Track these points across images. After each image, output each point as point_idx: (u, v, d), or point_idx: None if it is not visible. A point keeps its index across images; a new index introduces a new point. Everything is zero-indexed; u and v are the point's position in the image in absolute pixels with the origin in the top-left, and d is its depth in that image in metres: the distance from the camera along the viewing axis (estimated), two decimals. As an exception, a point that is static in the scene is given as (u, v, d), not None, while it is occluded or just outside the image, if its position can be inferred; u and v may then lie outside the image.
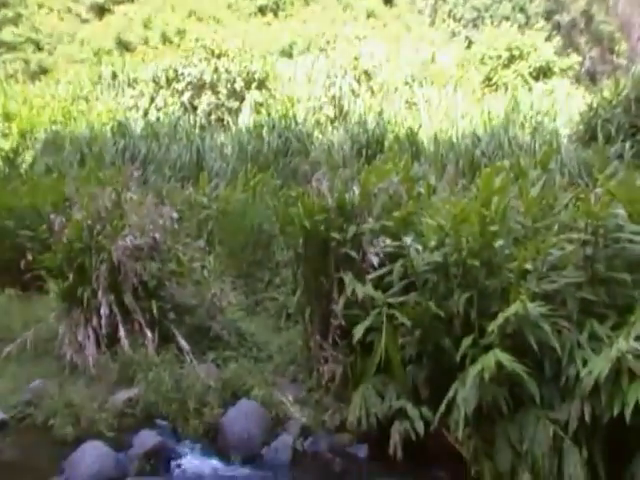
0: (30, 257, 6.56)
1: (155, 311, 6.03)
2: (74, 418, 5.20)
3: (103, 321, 5.85)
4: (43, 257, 6.37)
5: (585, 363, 4.31)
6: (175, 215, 6.73)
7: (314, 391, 5.64)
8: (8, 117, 16.03)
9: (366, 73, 18.79)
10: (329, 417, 5.38)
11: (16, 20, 23.29)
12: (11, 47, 22.64)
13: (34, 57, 22.71)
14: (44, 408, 5.35)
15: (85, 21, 25.27)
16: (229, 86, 17.83)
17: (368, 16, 27.45)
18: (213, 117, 17.56)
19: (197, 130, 14.79)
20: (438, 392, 4.80)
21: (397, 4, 29.10)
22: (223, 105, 17.72)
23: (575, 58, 23.19)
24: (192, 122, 15.77)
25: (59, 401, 5.35)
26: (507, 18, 26.84)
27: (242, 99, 17.84)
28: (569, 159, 9.32)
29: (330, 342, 5.49)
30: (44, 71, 22.17)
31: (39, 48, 23.11)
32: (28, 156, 12.74)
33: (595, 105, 11.45)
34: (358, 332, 5.12)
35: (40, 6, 24.36)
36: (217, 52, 18.52)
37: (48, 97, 17.80)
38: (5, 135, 15.22)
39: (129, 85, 18.83)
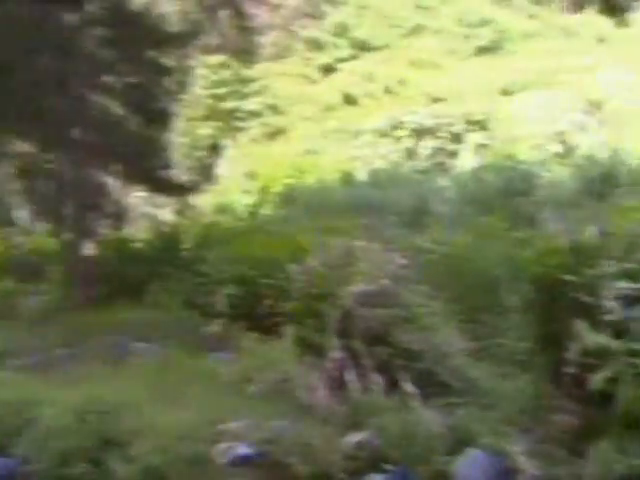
0: (269, 303, 7.07)
1: (383, 356, 6.16)
2: (307, 458, 5.45)
3: (333, 365, 6.11)
4: (282, 304, 6.85)
5: None
6: (402, 261, 6.87)
7: (545, 442, 5.34)
8: (251, 176, 17.79)
9: (596, 104, 17.78)
10: (562, 471, 5.04)
11: (259, 91, 25.84)
12: (254, 114, 25.14)
13: (272, 120, 24.89)
14: (281, 446, 5.67)
15: (314, 82, 27.10)
16: (449, 130, 17.94)
17: (598, 42, 26.01)
18: (434, 161, 17.75)
19: (418, 175, 15.03)
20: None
21: (632, 24, 27.18)
22: (443, 149, 17.85)
23: None
24: (413, 168, 16.07)
25: (294, 441, 5.64)
26: None
27: (462, 141, 17.84)
28: None
29: (563, 391, 5.19)
30: (280, 131, 24.18)
31: (276, 111, 25.27)
32: (267, 209, 13.93)
33: None
34: (597, 382, 4.79)
35: (280, 75, 26.73)
36: (437, 97, 18.78)
37: (283, 154, 19.34)
38: (248, 192, 16.85)
39: (354, 137, 19.75)
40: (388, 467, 5.37)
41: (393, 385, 6.17)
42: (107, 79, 11.59)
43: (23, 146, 11.92)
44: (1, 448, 6.44)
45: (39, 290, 11.87)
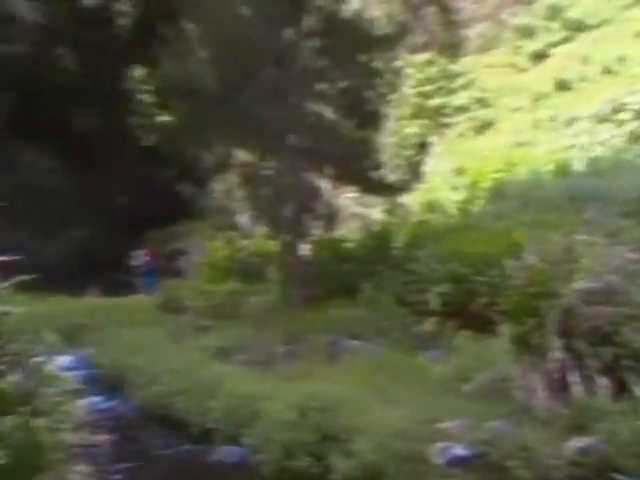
0: (483, 301, 6.89)
1: (609, 357, 5.74)
2: (528, 462, 5.23)
3: (554, 366, 5.81)
4: (496, 302, 6.64)
5: None
6: (630, 255, 6.36)
7: None
8: (459, 172, 17.53)
9: None
10: None
11: (467, 85, 25.51)
12: (461, 109, 24.86)
13: (479, 113, 24.38)
14: (499, 448, 5.50)
15: (523, 70, 26.04)
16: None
17: None
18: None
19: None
20: None
21: None
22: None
23: None
24: (639, 153, 14.75)
25: (513, 443, 5.44)
26: None
27: None
28: None
29: None
30: (488, 124, 23.58)
31: (484, 104, 24.71)
32: (477, 205, 13.62)
33: None
34: None
35: (487, 67, 26.12)
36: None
37: (491, 148, 18.80)
38: (456, 188, 16.61)
39: (567, 125, 18.64)
40: (618, 477, 4.98)
41: (621, 388, 5.73)
42: (320, 86, 12.06)
43: (245, 156, 12.82)
44: (233, 437, 7.02)
45: (260, 290, 12.68)
